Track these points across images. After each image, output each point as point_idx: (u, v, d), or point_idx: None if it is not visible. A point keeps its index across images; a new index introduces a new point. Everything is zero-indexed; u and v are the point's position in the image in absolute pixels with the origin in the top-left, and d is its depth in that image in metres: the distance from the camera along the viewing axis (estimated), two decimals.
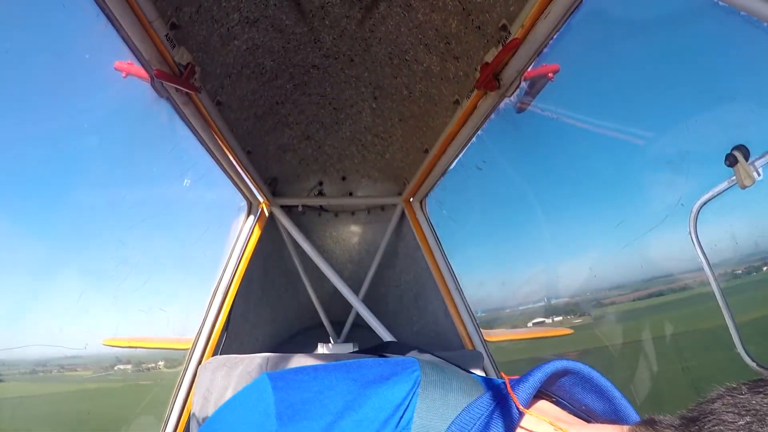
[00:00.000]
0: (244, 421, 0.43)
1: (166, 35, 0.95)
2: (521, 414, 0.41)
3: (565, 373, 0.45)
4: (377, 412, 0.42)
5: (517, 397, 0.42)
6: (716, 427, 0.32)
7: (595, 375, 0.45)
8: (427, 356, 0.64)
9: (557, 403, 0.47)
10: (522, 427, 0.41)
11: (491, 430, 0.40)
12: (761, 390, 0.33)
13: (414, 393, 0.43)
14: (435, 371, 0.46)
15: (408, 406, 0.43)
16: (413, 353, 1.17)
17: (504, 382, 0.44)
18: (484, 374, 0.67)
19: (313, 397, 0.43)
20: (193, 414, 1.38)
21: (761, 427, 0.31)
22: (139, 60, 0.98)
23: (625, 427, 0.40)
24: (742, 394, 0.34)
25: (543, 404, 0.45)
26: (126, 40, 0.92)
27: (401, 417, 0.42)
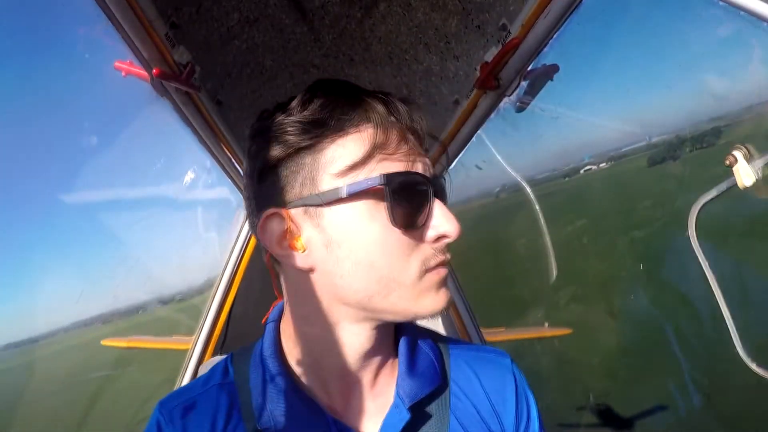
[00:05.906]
0: None
1: (166, 34, 0.95)
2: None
3: None
4: None
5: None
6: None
7: None
8: None
9: None
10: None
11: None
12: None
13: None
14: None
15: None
16: None
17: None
18: None
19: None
20: None
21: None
22: (138, 59, 0.98)
23: None
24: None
25: None
26: (126, 40, 0.92)
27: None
